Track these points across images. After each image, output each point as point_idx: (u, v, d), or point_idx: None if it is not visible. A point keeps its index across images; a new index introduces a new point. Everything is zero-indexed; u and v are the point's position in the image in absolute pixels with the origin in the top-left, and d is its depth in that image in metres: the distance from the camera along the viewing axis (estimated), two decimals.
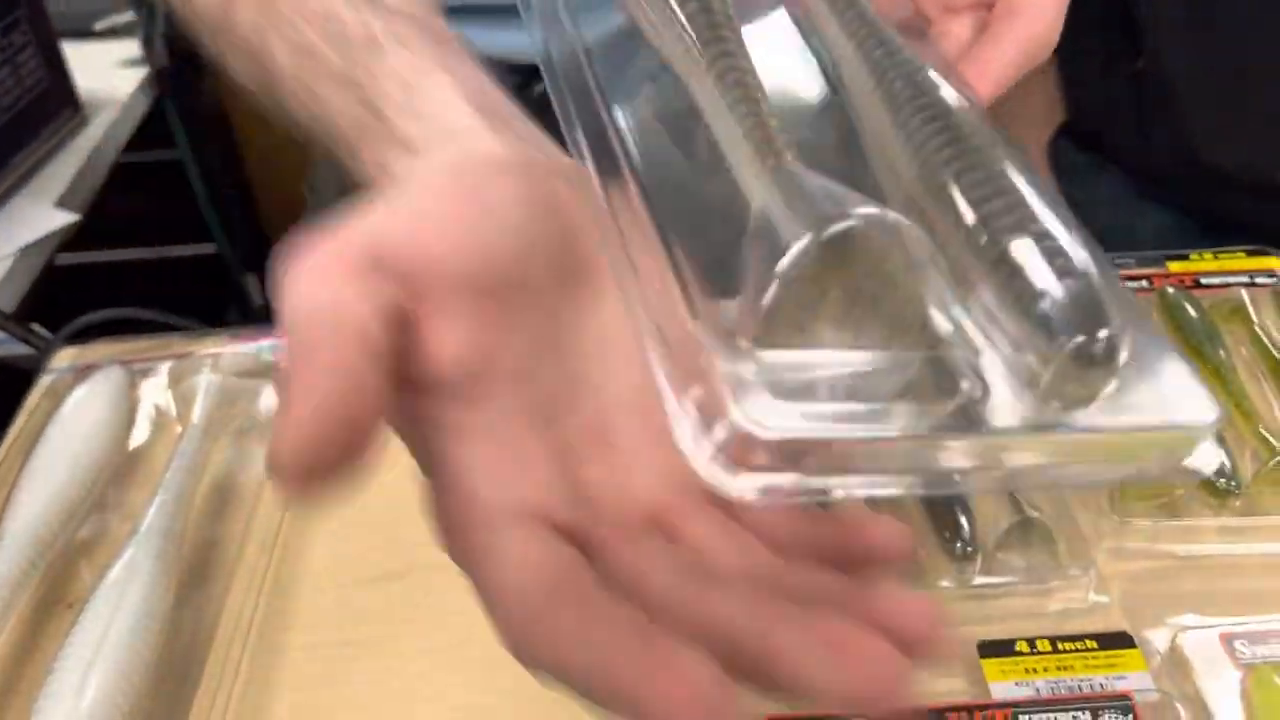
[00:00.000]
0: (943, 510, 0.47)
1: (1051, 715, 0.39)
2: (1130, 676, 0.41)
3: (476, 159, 0.30)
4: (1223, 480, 0.48)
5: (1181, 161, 0.86)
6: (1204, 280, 0.62)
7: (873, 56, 0.32)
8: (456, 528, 0.27)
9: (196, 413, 0.55)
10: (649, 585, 0.25)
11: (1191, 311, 0.58)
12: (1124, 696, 0.40)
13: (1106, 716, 0.39)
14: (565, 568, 0.25)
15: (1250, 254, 0.65)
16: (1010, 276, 0.25)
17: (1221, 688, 0.40)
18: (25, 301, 0.90)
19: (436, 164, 0.31)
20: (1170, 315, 0.59)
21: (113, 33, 1.25)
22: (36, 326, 0.72)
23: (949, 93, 0.30)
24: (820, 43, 0.35)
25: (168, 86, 1.22)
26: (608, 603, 0.24)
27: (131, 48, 1.22)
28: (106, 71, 1.19)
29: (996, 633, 0.44)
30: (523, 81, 0.47)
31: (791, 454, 0.23)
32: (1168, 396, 0.25)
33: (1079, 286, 0.25)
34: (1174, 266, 0.64)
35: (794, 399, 0.23)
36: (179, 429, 0.55)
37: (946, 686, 0.42)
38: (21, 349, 0.72)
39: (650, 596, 0.25)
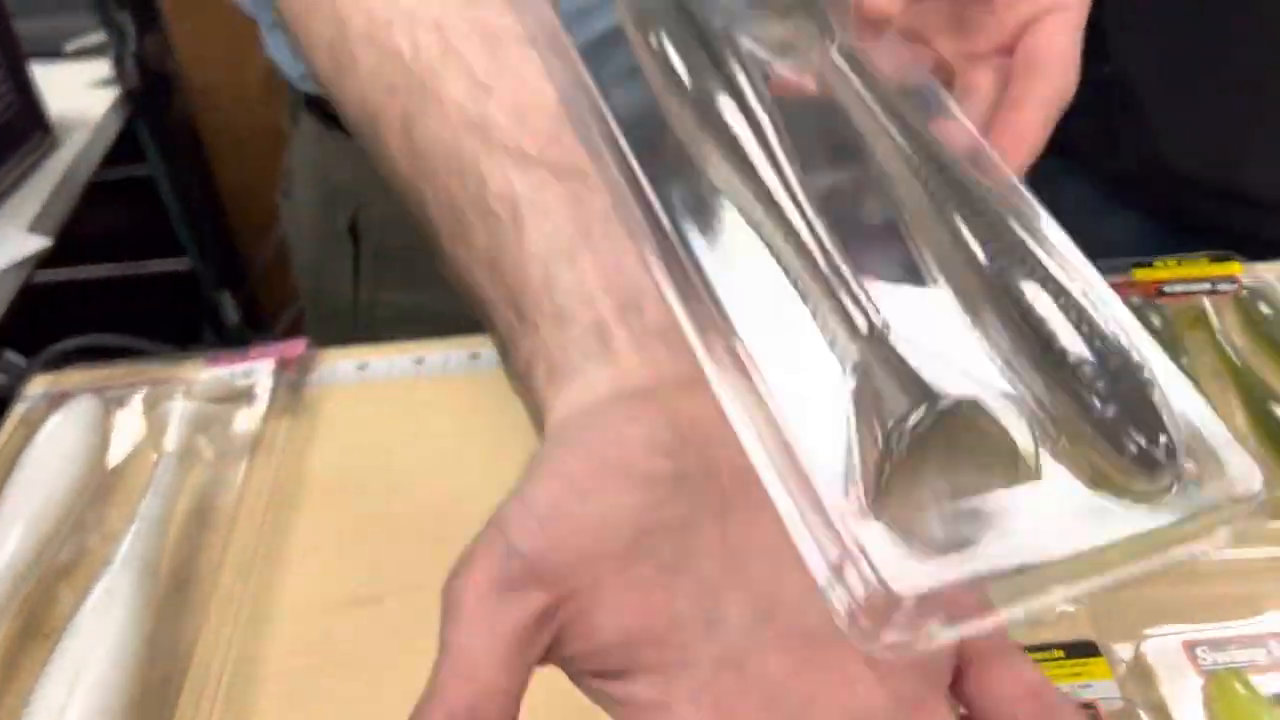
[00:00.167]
0: None
1: None
2: (1096, 685, 0.42)
3: (609, 410, 0.31)
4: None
5: (1147, 166, 0.87)
6: (1167, 289, 0.63)
7: (921, 172, 0.32)
8: None
9: (170, 439, 0.55)
10: None
11: (1155, 321, 0.59)
12: (1089, 706, 0.41)
13: None
14: None
15: (1214, 260, 0.66)
16: (1069, 378, 0.27)
17: (1184, 695, 0.41)
18: None
19: (571, 432, 0.31)
20: None
21: (83, 53, 1.24)
22: (10, 353, 0.72)
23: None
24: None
25: (139, 106, 1.22)
26: None
27: (102, 68, 1.22)
28: (77, 92, 1.19)
29: None
30: None
31: (927, 606, 0.24)
32: (1220, 467, 0.26)
33: (1137, 388, 0.26)
34: (1139, 274, 0.65)
35: (917, 553, 0.25)
36: (154, 456, 0.55)
37: None
38: None
39: None
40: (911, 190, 0.32)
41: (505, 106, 0.37)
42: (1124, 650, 0.44)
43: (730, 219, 0.32)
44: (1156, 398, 0.26)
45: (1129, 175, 0.90)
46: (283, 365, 0.61)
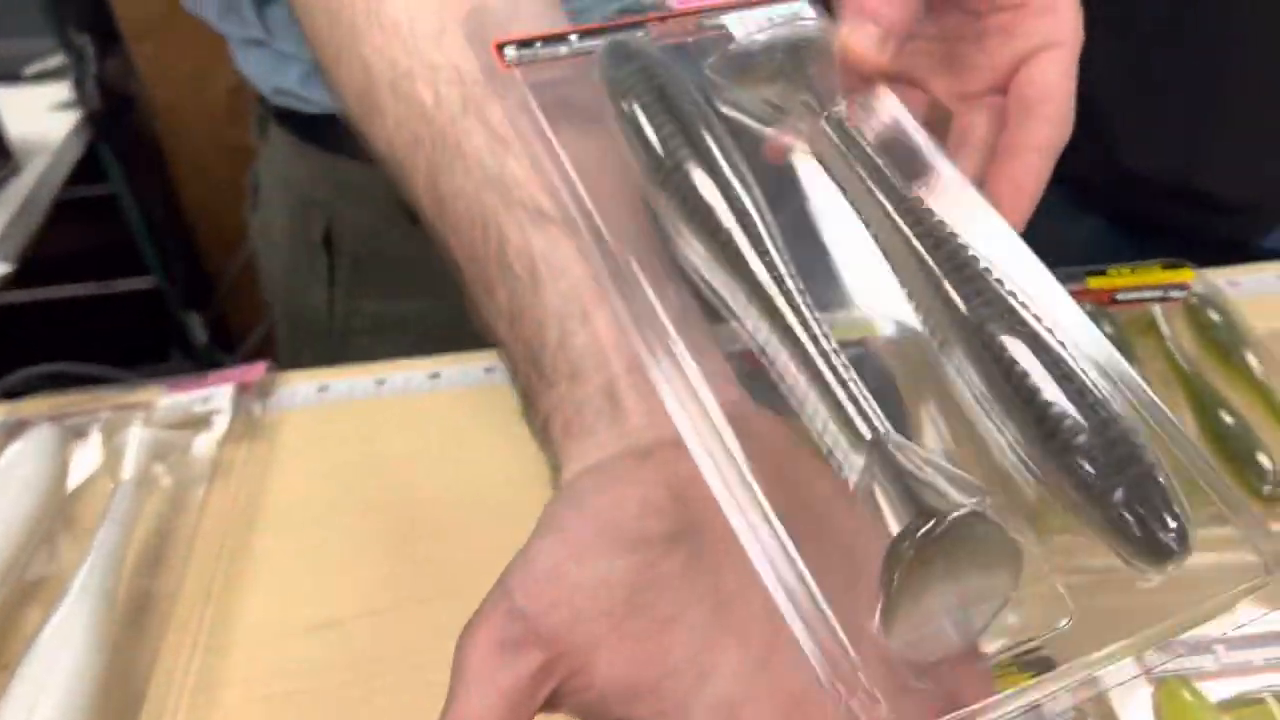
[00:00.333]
0: None
1: None
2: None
3: (611, 472, 0.33)
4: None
5: (1106, 169, 0.88)
6: (1120, 296, 0.64)
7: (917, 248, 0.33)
8: None
9: (127, 467, 0.55)
10: None
11: (1107, 328, 0.60)
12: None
13: None
14: None
15: (1166, 266, 0.67)
16: (1078, 476, 0.27)
17: (1134, 703, 0.42)
18: None
19: (577, 493, 0.33)
20: None
21: (43, 76, 1.24)
22: None
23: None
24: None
25: (101, 128, 1.22)
26: None
27: (63, 91, 1.22)
28: (38, 116, 1.18)
29: None
30: None
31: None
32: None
33: (1144, 478, 0.27)
34: (1093, 282, 0.65)
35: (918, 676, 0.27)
36: (111, 485, 0.55)
37: None
38: None
39: None
40: (905, 264, 0.33)
41: (519, 157, 0.39)
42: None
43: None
44: (1161, 477, 0.27)
45: (1090, 179, 0.91)
46: (242, 390, 0.61)
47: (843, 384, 0.29)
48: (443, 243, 0.41)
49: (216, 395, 0.61)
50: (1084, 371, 0.29)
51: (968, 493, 0.26)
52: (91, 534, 0.50)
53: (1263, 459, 0.51)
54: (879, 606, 0.26)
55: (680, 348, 0.31)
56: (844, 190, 0.35)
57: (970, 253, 0.32)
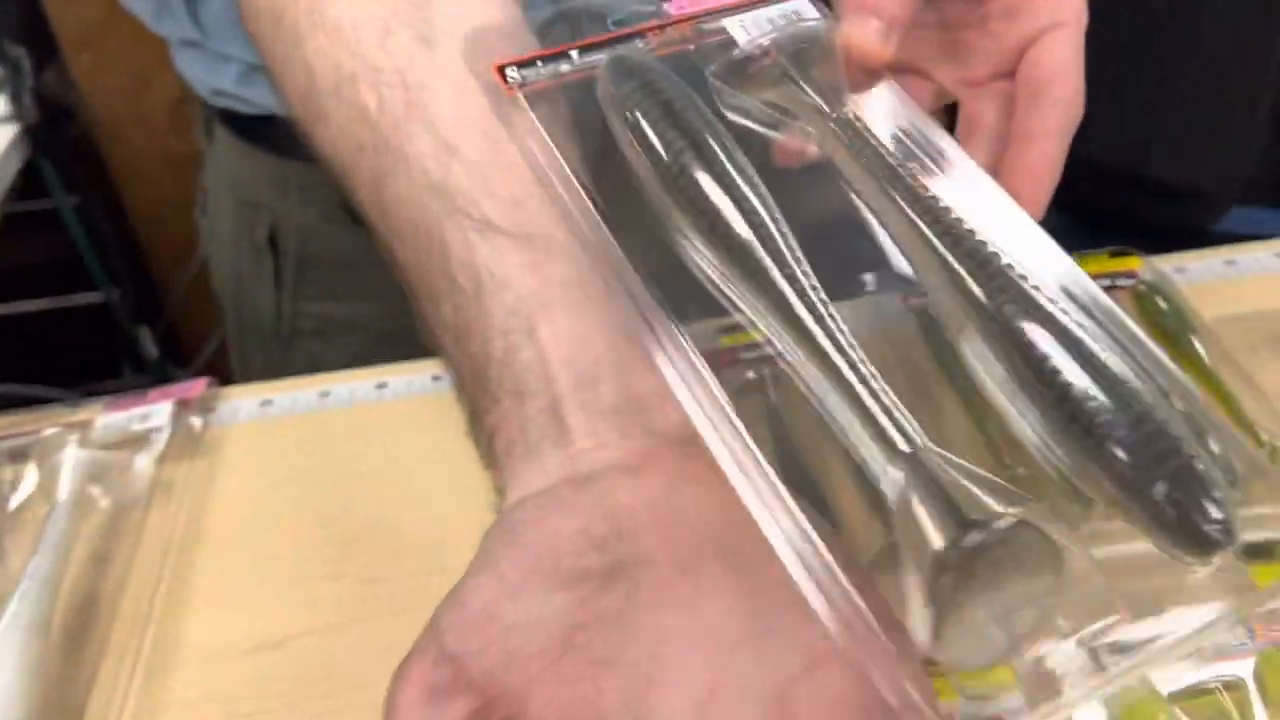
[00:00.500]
0: None
1: None
2: (1001, 695, 0.42)
3: (551, 501, 0.32)
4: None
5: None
6: None
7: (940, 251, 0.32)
8: None
9: (62, 490, 0.53)
10: None
11: None
12: (996, 719, 0.41)
13: None
14: None
15: (1114, 255, 0.67)
16: (1118, 470, 0.27)
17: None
18: None
19: (514, 525, 0.32)
20: None
21: None
22: None
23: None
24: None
25: (40, 141, 1.19)
26: None
27: None
28: None
29: None
30: None
31: None
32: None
33: (1184, 469, 0.27)
34: None
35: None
36: (46, 508, 0.54)
37: None
38: None
39: None
40: (925, 263, 0.32)
41: (469, 166, 0.38)
42: (1032, 649, 0.44)
43: None
44: (1202, 468, 0.27)
45: None
46: (182, 406, 0.60)
47: (874, 396, 0.29)
48: (388, 251, 0.40)
49: (156, 412, 0.59)
50: (1116, 364, 0.28)
51: (1009, 501, 0.26)
52: (26, 559, 0.49)
53: (1213, 447, 0.50)
54: (926, 621, 0.26)
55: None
56: (857, 191, 0.35)
57: (990, 248, 0.31)
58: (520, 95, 0.36)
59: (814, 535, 0.27)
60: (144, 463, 0.56)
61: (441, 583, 0.48)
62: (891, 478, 0.28)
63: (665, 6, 0.39)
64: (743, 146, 0.35)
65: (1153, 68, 0.82)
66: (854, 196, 0.35)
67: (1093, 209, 0.90)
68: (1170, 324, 0.59)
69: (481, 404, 0.36)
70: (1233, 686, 0.41)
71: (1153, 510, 0.26)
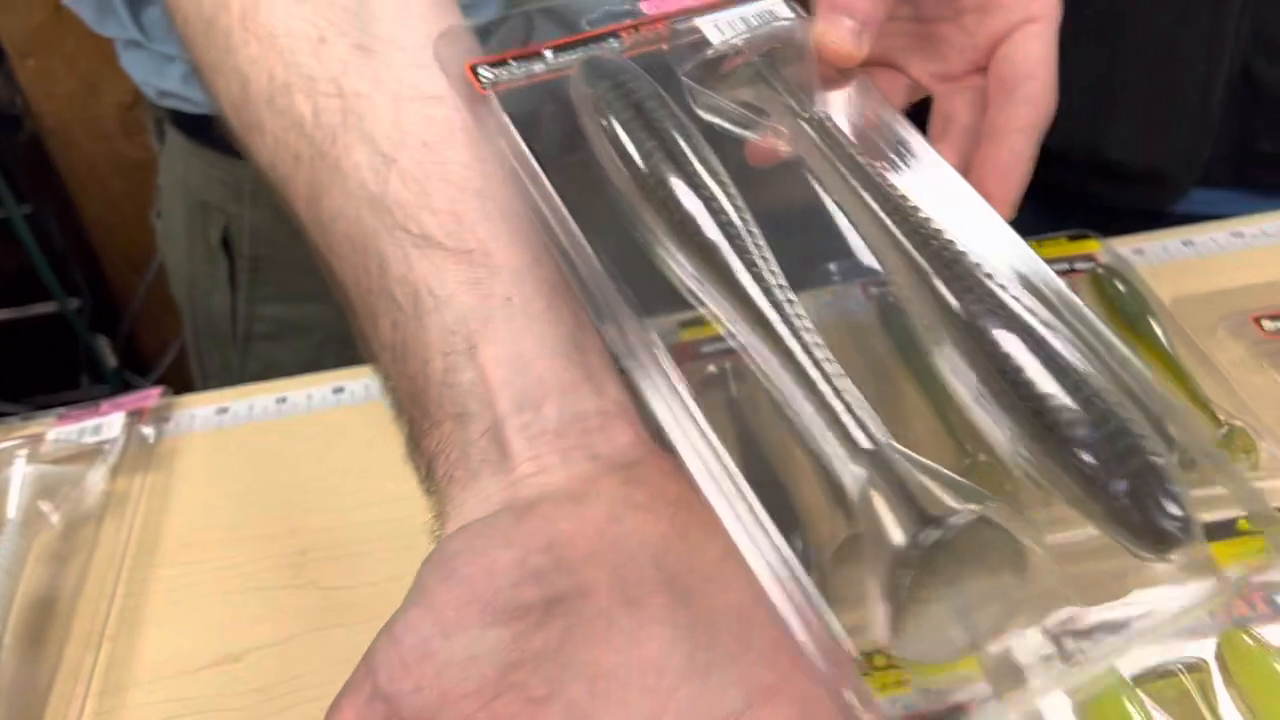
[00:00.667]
0: None
1: None
2: (963, 687, 0.42)
3: (490, 531, 0.31)
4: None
5: None
6: None
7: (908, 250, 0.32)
8: None
9: (11, 508, 0.52)
10: None
11: None
12: (959, 708, 0.40)
13: None
14: None
15: (1071, 238, 0.67)
16: (1080, 469, 0.27)
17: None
18: None
19: (450, 557, 0.31)
20: None
21: None
22: None
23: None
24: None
25: None
26: None
27: None
28: None
29: None
30: None
31: None
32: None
33: (1145, 469, 0.27)
34: None
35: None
36: None
37: None
38: None
39: None
40: (895, 263, 0.33)
41: (407, 178, 0.36)
42: (995, 645, 0.44)
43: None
44: (1161, 464, 0.27)
45: None
46: (135, 417, 0.59)
47: (838, 394, 0.29)
48: (326, 266, 0.39)
49: (108, 424, 0.58)
50: (1080, 362, 0.29)
51: (970, 499, 0.27)
52: None
53: (1171, 429, 0.51)
54: (886, 616, 0.26)
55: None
56: (828, 190, 0.35)
57: (959, 248, 0.31)
58: (492, 94, 0.36)
59: (777, 538, 0.27)
60: (96, 476, 0.55)
61: (402, 589, 0.48)
62: (853, 474, 0.28)
63: (639, 6, 0.39)
64: (716, 146, 0.35)
65: (1108, 52, 0.82)
66: (824, 196, 0.35)
67: (1053, 193, 0.90)
68: (1128, 307, 0.59)
69: (421, 426, 0.35)
70: (1195, 668, 0.41)
71: (1113, 507, 0.27)
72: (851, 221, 0.34)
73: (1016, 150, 0.40)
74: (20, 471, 0.53)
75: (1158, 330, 0.57)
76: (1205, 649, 0.42)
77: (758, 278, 0.31)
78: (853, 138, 0.36)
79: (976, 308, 0.30)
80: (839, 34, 0.37)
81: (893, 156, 0.36)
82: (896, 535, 0.26)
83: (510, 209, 0.36)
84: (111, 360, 1.38)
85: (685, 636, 0.29)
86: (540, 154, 0.35)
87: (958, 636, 0.27)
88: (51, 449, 0.57)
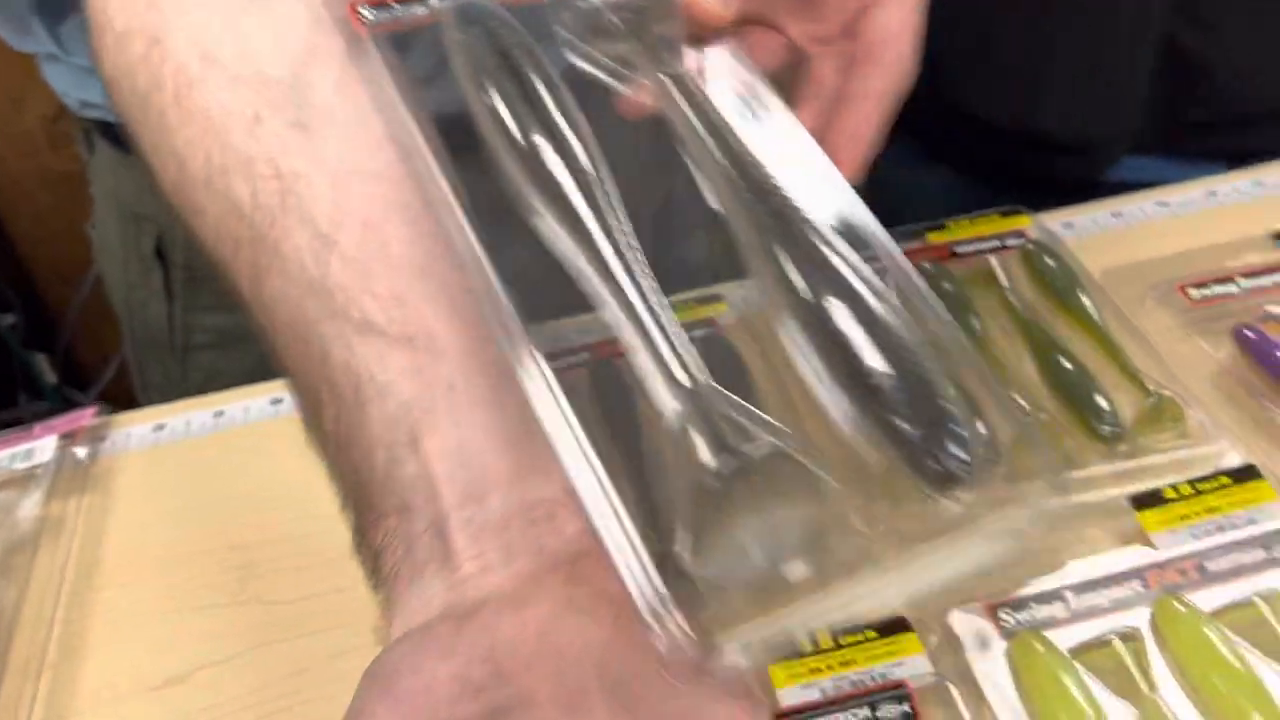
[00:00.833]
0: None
1: (832, 717, 0.40)
2: (908, 662, 0.42)
3: (430, 640, 0.30)
4: (982, 450, 0.50)
5: (951, 117, 0.89)
6: (958, 249, 0.64)
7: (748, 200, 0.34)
8: None
9: None
10: None
11: (946, 285, 0.60)
12: (900, 685, 0.41)
13: (885, 708, 0.40)
14: None
15: (1003, 215, 0.68)
16: (876, 405, 0.30)
17: (991, 661, 0.42)
18: None
19: (388, 671, 0.30)
20: None
21: None
22: None
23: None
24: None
25: None
26: None
27: None
28: None
29: None
30: None
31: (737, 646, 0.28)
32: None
33: (937, 410, 0.29)
34: (933, 238, 0.66)
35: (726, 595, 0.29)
36: None
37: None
38: None
39: None
40: (738, 219, 0.34)
41: (348, 260, 0.36)
42: (935, 623, 0.44)
43: None
44: (957, 416, 0.29)
45: (938, 128, 0.92)
46: (68, 439, 0.58)
47: (664, 334, 0.31)
48: (273, 349, 0.38)
49: (40, 448, 0.57)
50: (905, 333, 0.31)
51: (775, 436, 0.29)
52: None
53: (1100, 401, 0.52)
54: (688, 538, 0.28)
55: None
56: (685, 145, 0.36)
57: (797, 206, 0.33)
58: (368, 36, 0.37)
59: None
60: (30, 503, 0.54)
61: (346, 600, 0.48)
62: (672, 409, 0.30)
63: None
64: (586, 97, 0.37)
65: (1035, 23, 0.83)
66: (681, 151, 0.37)
67: (989, 167, 0.91)
68: (1058, 281, 0.60)
69: (366, 520, 0.34)
70: (1129, 637, 0.42)
71: (908, 454, 0.29)
72: (703, 176, 0.36)
73: (866, 115, 0.42)
74: None
75: (1087, 303, 0.58)
76: (1139, 618, 0.43)
77: (603, 224, 0.33)
78: (713, 95, 0.37)
79: (815, 278, 0.32)
80: None
81: (749, 115, 0.38)
82: (700, 463, 0.29)
83: (455, 286, 0.36)
84: (50, 377, 1.36)
85: None
86: (414, 97, 0.36)
87: (758, 559, 0.29)
88: None
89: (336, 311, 0.35)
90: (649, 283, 0.32)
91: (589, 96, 0.37)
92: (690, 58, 0.39)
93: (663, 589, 0.28)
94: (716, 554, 0.29)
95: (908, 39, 0.43)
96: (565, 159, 0.34)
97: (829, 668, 0.43)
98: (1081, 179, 0.86)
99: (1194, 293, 0.59)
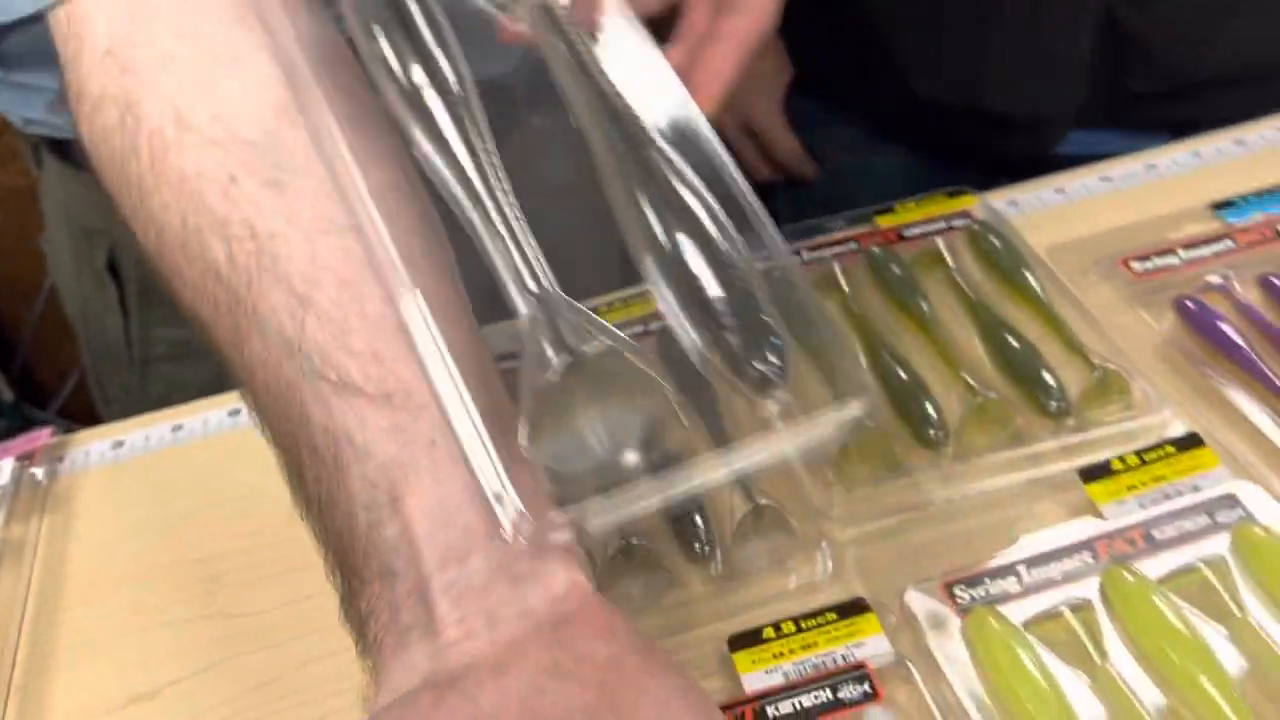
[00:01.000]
0: (679, 516, 0.49)
1: (795, 700, 0.41)
2: (868, 642, 0.43)
3: (411, 712, 0.31)
4: (933, 431, 0.51)
5: (902, 99, 0.89)
6: (907, 233, 0.65)
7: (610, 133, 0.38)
8: None
9: None
10: None
11: (895, 269, 0.61)
12: (860, 666, 0.42)
13: (846, 689, 0.41)
14: None
15: (949, 195, 0.69)
16: (713, 324, 0.34)
17: (947, 637, 0.43)
18: None
19: None
20: (877, 274, 0.61)
21: None
22: None
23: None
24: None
25: None
26: None
27: None
28: None
29: (745, 623, 0.45)
30: None
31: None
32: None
33: (759, 326, 0.34)
34: (882, 221, 0.66)
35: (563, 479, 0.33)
36: None
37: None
38: None
39: None
40: (605, 161, 0.38)
41: (324, 320, 0.36)
42: (893, 600, 0.45)
43: None
44: (775, 329, 0.34)
45: (889, 110, 0.93)
46: (25, 460, 0.58)
47: (517, 244, 0.35)
48: (255, 411, 0.38)
49: None
50: (739, 263, 0.35)
51: (609, 338, 0.34)
52: None
53: (1047, 378, 0.52)
54: (525, 426, 0.32)
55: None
56: (552, 70, 0.40)
57: (651, 136, 0.37)
58: None
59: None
60: None
61: (311, 609, 0.48)
62: (522, 311, 0.34)
63: None
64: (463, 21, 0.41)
65: (980, 6, 0.84)
66: (552, 75, 0.41)
67: (941, 146, 0.92)
68: (1003, 261, 0.61)
69: (352, 585, 0.34)
70: (1080, 608, 0.43)
71: (732, 365, 0.33)
72: (566, 100, 0.39)
73: (726, 54, 0.47)
74: None
75: (1032, 281, 0.59)
76: (1089, 589, 0.43)
77: (468, 144, 0.37)
78: (578, 24, 0.41)
79: (670, 218, 0.35)
80: None
81: (613, 45, 0.42)
82: (541, 358, 0.34)
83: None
84: (7, 394, 1.34)
85: None
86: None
87: (594, 448, 0.33)
88: None
89: (314, 372, 0.35)
90: (506, 198, 0.36)
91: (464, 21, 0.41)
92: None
93: (504, 474, 0.32)
94: (554, 442, 0.33)
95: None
96: (438, 85, 0.38)
97: (790, 651, 0.43)
98: (1032, 155, 0.87)
99: (1136, 265, 0.60)
